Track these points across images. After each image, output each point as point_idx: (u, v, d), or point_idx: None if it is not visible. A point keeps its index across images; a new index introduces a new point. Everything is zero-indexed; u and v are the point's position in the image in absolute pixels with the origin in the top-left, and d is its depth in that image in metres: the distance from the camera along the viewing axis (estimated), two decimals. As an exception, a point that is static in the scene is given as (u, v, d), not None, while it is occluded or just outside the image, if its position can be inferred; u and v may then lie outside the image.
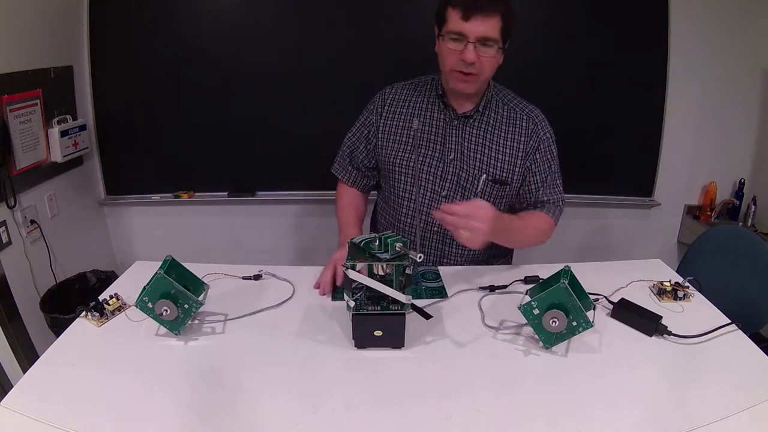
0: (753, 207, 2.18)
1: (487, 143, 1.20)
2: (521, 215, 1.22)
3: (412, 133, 1.21)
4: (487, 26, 1.03)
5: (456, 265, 1.26)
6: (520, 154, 1.20)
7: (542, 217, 1.22)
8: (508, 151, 1.20)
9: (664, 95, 2.11)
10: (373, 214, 1.47)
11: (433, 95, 1.22)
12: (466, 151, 1.20)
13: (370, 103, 1.30)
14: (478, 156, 1.19)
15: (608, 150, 2.19)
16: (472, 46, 1.04)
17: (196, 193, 2.27)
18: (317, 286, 1.09)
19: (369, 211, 1.44)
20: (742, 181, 2.23)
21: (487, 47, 1.06)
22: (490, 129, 1.20)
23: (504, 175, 1.20)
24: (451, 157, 1.20)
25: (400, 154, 1.23)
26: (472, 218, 0.95)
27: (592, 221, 2.36)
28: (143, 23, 2.02)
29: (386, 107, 1.27)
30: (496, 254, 1.33)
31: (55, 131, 1.82)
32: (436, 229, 1.24)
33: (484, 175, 1.20)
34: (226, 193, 2.27)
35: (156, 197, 2.26)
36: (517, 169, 1.20)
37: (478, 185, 1.20)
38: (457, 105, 1.20)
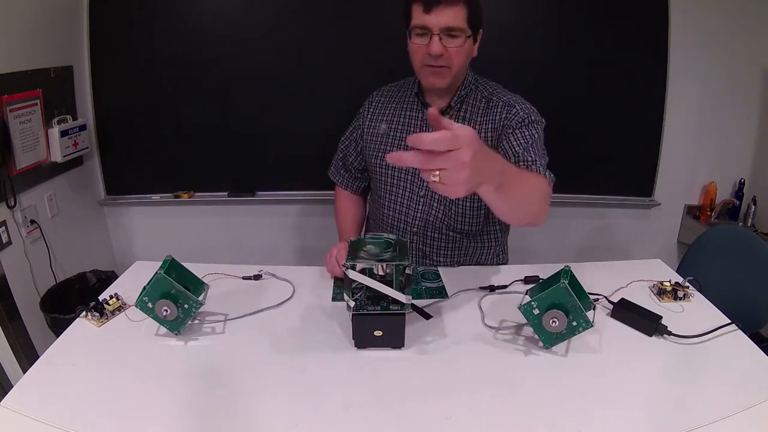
0: (753, 207, 2.18)
1: None
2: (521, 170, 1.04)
3: (380, 132, 1.23)
4: (449, 16, 1.01)
5: (440, 266, 1.23)
6: (494, 139, 1.14)
7: (537, 177, 1.05)
8: (487, 144, 1.15)
9: (664, 95, 2.11)
10: (367, 219, 1.48)
11: (412, 94, 1.23)
12: None
13: (362, 107, 1.33)
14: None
15: (608, 150, 2.19)
16: (437, 38, 1.03)
17: (196, 193, 2.27)
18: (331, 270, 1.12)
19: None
20: (742, 181, 2.23)
21: (452, 38, 1.04)
22: (466, 123, 1.13)
23: None
24: None
25: (380, 155, 1.25)
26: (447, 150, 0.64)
27: (592, 221, 2.36)
28: (143, 23, 2.02)
29: (371, 109, 1.29)
30: (486, 254, 1.30)
31: (55, 131, 1.82)
32: (415, 229, 1.24)
33: None
34: (226, 193, 2.27)
35: (156, 197, 2.26)
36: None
37: None
38: (433, 102, 1.19)
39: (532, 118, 1.15)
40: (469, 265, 1.27)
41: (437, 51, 1.04)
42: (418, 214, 1.23)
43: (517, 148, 1.10)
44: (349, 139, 1.35)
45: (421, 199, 1.22)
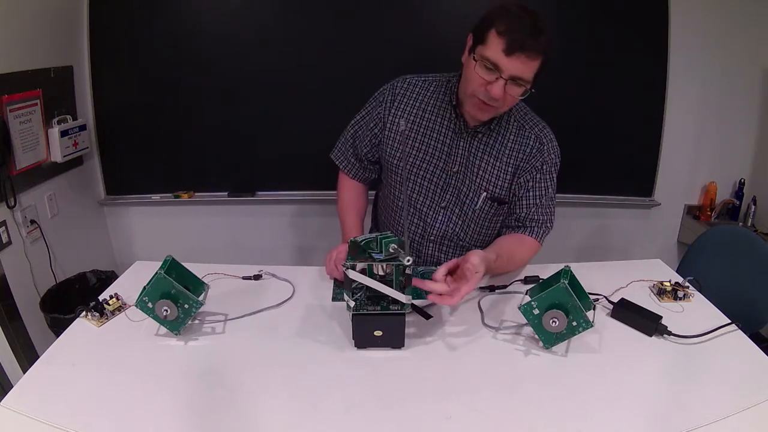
0: (753, 207, 2.18)
1: (492, 160, 1.15)
2: (508, 244, 1.15)
3: (416, 134, 1.17)
4: (524, 66, 0.97)
5: None
6: (518, 165, 1.16)
7: (530, 245, 1.17)
8: (510, 169, 1.16)
9: (664, 95, 2.11)
10: (374, 210, 1.45)
11: (447, 101, 1.16)
12: (470, 166, 1.16)
13: (379, 93, 1.23)
14: (481, 173, 1.16)
15: (608, 150, 2.19)
16: (503, 82, 0.98)
17: (196, 193, 2.27)
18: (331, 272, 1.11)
19: (369, 209, 1.44)
20: (742, 181, 2.23)
21: (517, 86, 1.00)
22: (497, 146, 1.15)
23: (504, 194, 1.17)
24: (455, 169, 1.17)
25: (400, 155, 1.20)
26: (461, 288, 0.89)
27: (592, 221, 2.36)
28: (143, 23, 2.02)
29: (396, 102, 1.20)
30: None
31: (55, 131, 1.82)
32: (432, 238, 1.24)
33: (485, 193, 1.17)
34: (226, 193, 2.27)
35: (156, 197, 2.26)
36: (508, 179, 1.17)
37: (477, 202, 1.18)
38: (470, 118, 1.13)
39: (556, 162, 1.18)
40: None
41: (498, 95, 0.99)
42: (437, 224, 1.22)
43: (533, 200, 1.16)
44: (361, 126, 1.25)
45: (442, 210, 1.21)
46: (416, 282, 0.87)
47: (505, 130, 1.16)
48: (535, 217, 1.17)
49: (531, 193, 1.17)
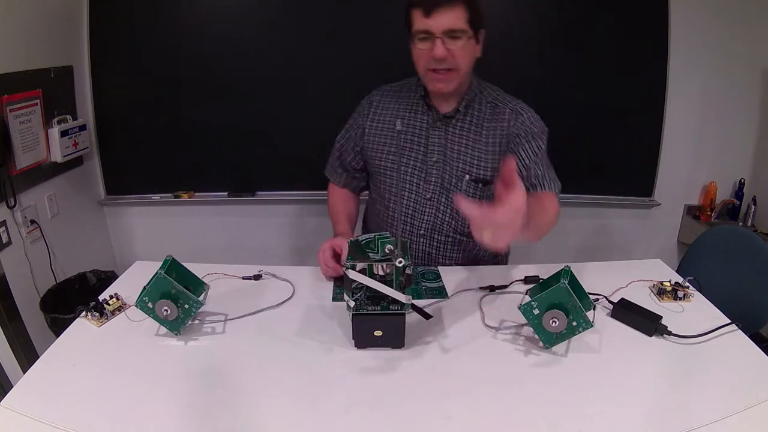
0: (753, 207, 2.18)
1: (470, 143, 1.18)
2: (536, 198, 1.10)
3: (395, 134, 1.21)
4: (450, 18, 1.02)
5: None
6: (503, 146, 1.17)
7: (549, 198, 1.13)
8: (490, 148, 1.18)
9: (664, 95, 2.11)
10: (364, 217, 1.47)
11: (417, 96, 1.21)
12: (449, 152, 1.19)
13: (360, 106, 1.31)
14: (461, 157, 1.18)
15: (608, 150, 2.19)
16: (439, 41, 1.03)
17: (196, 193, 2.27)
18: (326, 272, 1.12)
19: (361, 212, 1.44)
20: (742, 181, 2.23)
21: (455, 39, 1.05)
22: (473, 128, 1.19)
23: (487, 174, 1.18)
24: (434, 159, 1.19)
25: (385, 156, 1.24)
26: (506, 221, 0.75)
27: (592, 221, 2.36)
28: (143, 23, 2.02)
29: (372, 109, 1.27)
30: (485, 256, 1.30)
31: (55, 131, 1.82)
32: (422, 232, 1.24)
33: (467, 176, 1.19)
34: (226, 193, 2.27)
35: (156, 197, 2.26)
36: (498, 162, 1.17)
37: (461, 186, 1.20)
38: (440, 105, 1.19)
39: (539, 127, 1.19)
40: (473, 264, 1.27)
41: (441, 54, 1.04)
42: (425, 218, 1.23)
43: (527, 161, 1.15)
44: (345, 137, 1.33)
45: (428, 203, 1.22)
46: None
47: (479, 112, 1.19)
48: (539, 173, 1.15)
49: (526, 161, 1.15)
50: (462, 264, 1.26)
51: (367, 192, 1.42)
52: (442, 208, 1.22)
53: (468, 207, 0.72)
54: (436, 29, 1.03)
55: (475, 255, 1.28)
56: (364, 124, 1.27)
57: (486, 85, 1.24)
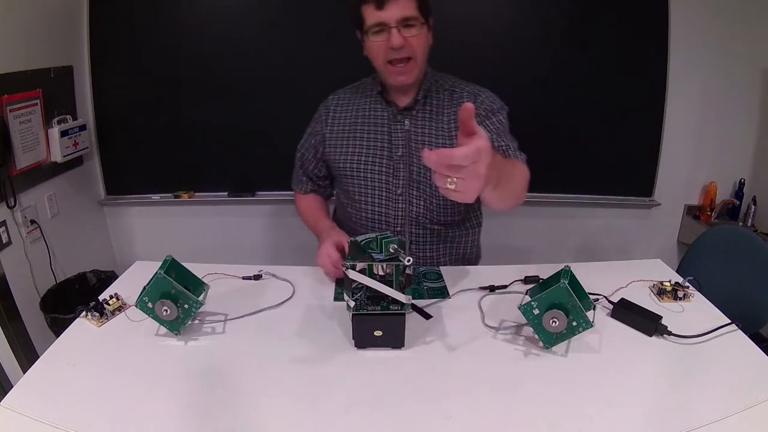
0: (753, 207, 2.18)
1: (433, 132, 1.19)
2: (506, 161, 1.02)
3: (356, 135, 1.21)
4: (402, 7, 1.05)
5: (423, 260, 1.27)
6: None
7: (518, 165, 1.05)
8: (453, 133, 1.18)
9: (664, 95, 2.11)
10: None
11: (374, 94, 1.22)
12: (413, 144, 1.19)
13: (316, 113, 1.31)
14: (426, 147, 1.17)
15: (608, 150, 2.19)
16: (395, 30, 1.05)
17: (196, 193, 2.27)
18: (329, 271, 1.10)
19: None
20: (742, 181, 2.23)
21: (410, 27, 1.07)
22: (434, 117, 1.19)
23: None
24: (399, 153, 1.20)
25: (349, 158, 1.23)
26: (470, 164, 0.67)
27: (592, 221, 2.36)
28: (143, 23, 2.02)
29: (330, 114, 1.27)
30: (468, 242, 1.32)
31: (55, 131, 1.83)
32: (398, 228, 1.24)
33: None
34: (226, 193, 2.27)
35: (156, 197, 2.27)
36: None
37: (431, 176, 1.19)
38: (398, 99, 1.20)
39: (498, 105, 1.20)
40: (451, 255, 1.29)
41: (399, 42, 1.06)
42: (399, 213, 1.23)
43: (491, 135, 1.14)
44: (305, 146, 1.32)
45: (400, 198, 1.22)
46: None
47: (437, 100, 1.20)
48: (503, 144, 1.14)
49: (489, 135, 1.08)
50: (441, 255, 1.27)
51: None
52: (414, 201, 1.22)
53: (429, 154, 0.65)
54: (390, 19, 1.05)
55: (457, 244, 1.29)
56: (324, 131, 1.27)
57: (441, 74, 1.25)
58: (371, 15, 1.06)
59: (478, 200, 1.26)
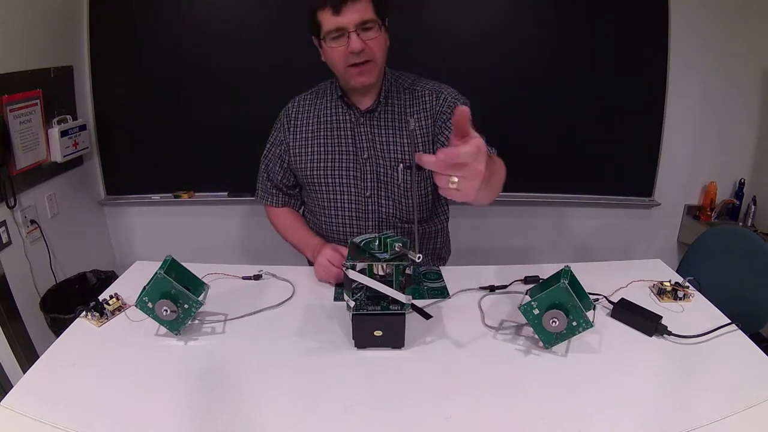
0: (753, 207, 2.18)
1: (397, 132, 1.18)
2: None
3: (407, 133, 1.18)
4: (359, 11, 1.04)
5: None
6: (431, 128, 1.18)
7: (496, 159, 1.03)
8: (418, 132, 1.19)
9: (664, 95, 2.11)
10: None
11: (335, 98, 1.21)
12: (378, 146, 1.19)
13: (277, 121, 1.29)
14: (392, 147, 1.19)
15: (608, 150, 2.19)
16: (354, 34, 1.04)
17: (196, 193, 2.27)
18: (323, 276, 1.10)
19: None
20: (742, 181, 2.23)
21: (368, 30, 1.06)
22: (396, 117, 1.19)
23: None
24: (365, 156, 1.20)
25: (315, 164, 1.22)
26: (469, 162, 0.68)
27: (592, 221, 2.36)
28: (143, 23, 2.02)
29: (292, 122, 1.26)
30: (438, 238, 1.34)
31: (55, 131, 1.82)
32: (370, 230, 1.24)
33: (401, 165, 1.18)
34: (226, 193, 2.27)
35: (156, 197, 2.26)
36: (431, 147, 1.18)
37: (398, 177, 1.20)
38: (359, 102, 1.19)
39: (462, 100, 1.20)
40: (427, 251, 1.30)
41: (358, 46, 1.05)
42: (370, 215, 1.24)
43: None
44: (268, 157, 1.30)
45: (369, 199, 1.22)
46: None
47: (398, 100, 1.20)
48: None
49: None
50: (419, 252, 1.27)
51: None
52: (383, 201, 1.22)
53: (429, 156, 0.66)
54: (348, 24, 1.04)
55: (428, 240, 1.31)
56: (287, 139, 1.26)
57: (399, 73, 1.24)
58: (328, 20, 1.05)
59: (439, 199, 1.28)
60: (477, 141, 0.66)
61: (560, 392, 0.78)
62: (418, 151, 1.17)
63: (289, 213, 1.36)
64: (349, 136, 1.20)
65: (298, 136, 1.25)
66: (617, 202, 2.29)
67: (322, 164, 1.22)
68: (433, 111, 1.18)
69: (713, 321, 0.93)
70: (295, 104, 1.28)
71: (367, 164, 1.20)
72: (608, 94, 2.11)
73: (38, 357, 0.85)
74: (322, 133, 1.22)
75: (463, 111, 0.66)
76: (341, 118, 1.21)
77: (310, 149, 1.23)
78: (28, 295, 1.75)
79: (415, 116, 1.18)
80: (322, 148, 1.22)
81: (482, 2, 2.05)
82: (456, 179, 0.67)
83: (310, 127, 1.24)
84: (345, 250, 1.07)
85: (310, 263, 1.22)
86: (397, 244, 0.84)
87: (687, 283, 1.06)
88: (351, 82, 1.13)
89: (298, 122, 1.25)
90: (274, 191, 1.34)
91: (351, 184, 1.22)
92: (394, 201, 1.22)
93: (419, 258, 0.81)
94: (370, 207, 1.23)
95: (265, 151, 1.32)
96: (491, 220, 2.34)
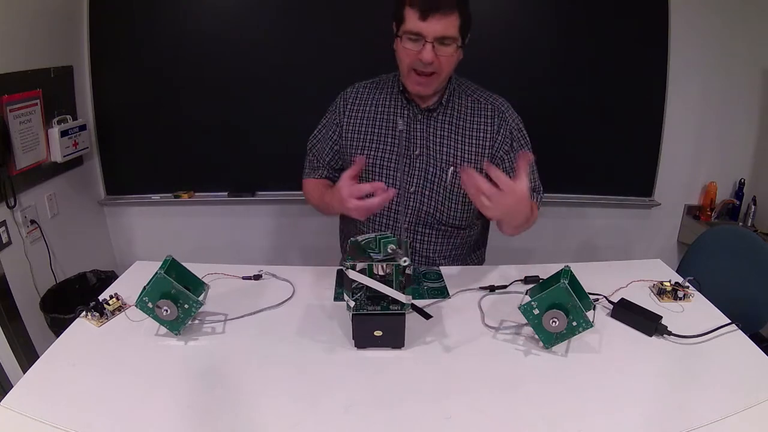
0: (753, 207, 2.18)
1: (453, 135, 1.19)
2: None
3: (396, 134, 1.19)
4: (445, 25, 1.02)
5: (428, 260, 1.27)
6: (488, 143, 1.19)
7: (534, 205, 1.18)
8: (474, 141, 1.19)
9: (664, 95, 2.11)
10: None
11: (395, 91, 1.21)
12: (431, 146, 1.19)
13: (332, 104, 1.29)
14: (444, 149, 1.19)
15: (608, 150, 2.19)
16: (430, 45, 1.03)
17: (196, 193, 2.27)
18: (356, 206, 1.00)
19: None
20: (742, 181, 2.23)
21: (445, 46, 1.05)
22: (454, 121, 1.19)
23: (472, 166, 1.16)
24: (417, 152, 1.19)
25: (365, 152, 1.22)
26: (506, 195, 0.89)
27: (592, 221, 2.36)
28: (143, 23, 2.02)
29: (348, 107, 1.25)
30: (473, 243, 1.33)
31: (55, 131, 1.82)
32: (406, 226, 1.23)
33: (452, 168, 1.18)
34: (226, 193, 2.27)
35: (156, 197, 2.26)
36: (485, 159, 1.19)
37: (446, 178, 1.19)
38: (420, 100, 1.18)
39: (521, 125, 1.22)
40: (456, 256, 1.29)
41: (429, 59, 1.04)
42: (409, 211, 1.23)
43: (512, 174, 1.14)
44: (317, 137, 1.30)
45: (412, 196, 1.21)
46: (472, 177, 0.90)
47: (459, 105, 1.20)
48: (531, 185, 1.15)
49: (513, 165, 1.15)
50: (443, 256, 1.27)
51: None
52: (425, 200, 1.22)
53: (463, 169, 0.91)
54: (429, 34, 1.02)
55: (461, 245, 1.29)
56: (342, 122, 1.25)
57: (462, 79, 1.24)
58: (412, 21, 1.03)
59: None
60: (520, 190, 0.89)
61: (560, 392, 0.78)
62: (471, 160, 1.19)
63: (320, 181, 1.30)
64: (405, 130, 1.20)
65: (352, 121, 1.24)
66: (617, 202, 2.29)
67: (372, 152, 1.21)
68: (493, 126, 1.19)
69: (713, 321, 0.93)
70: (354, 90, 1.27)
71: (418, 161, 1.20)
72: (608, 94, 2.11)
73: (38, 357, 0.85)
74: (377, 123, 1.22)
75: (528, 158, 0.89)
76: (399, 111, 1.20)
77: (362, 136, 1.23)
78: (28, 295, 1.75)
79: (476, 126, 1.19)
80: (375, 137, 1.21)
81: (482, 2, 2.05)
82: (488, 201, 0.89)
83: (366, 114, 1.23)
84: (349, 185, 1.00)
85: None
86: (389, 246, 0.84)
87: (687, 283, 1.06)
88: (408, 86, 1.13)
89: (355, 107, 1.25)
90: (319, 170, 1.30)
91: (397, 178, 1.20)
92: (436, 202, 1.21)
93: (405, 262, 0.81)
94: (411, 203, 1.22)
95: (316, 132, 1.31)
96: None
